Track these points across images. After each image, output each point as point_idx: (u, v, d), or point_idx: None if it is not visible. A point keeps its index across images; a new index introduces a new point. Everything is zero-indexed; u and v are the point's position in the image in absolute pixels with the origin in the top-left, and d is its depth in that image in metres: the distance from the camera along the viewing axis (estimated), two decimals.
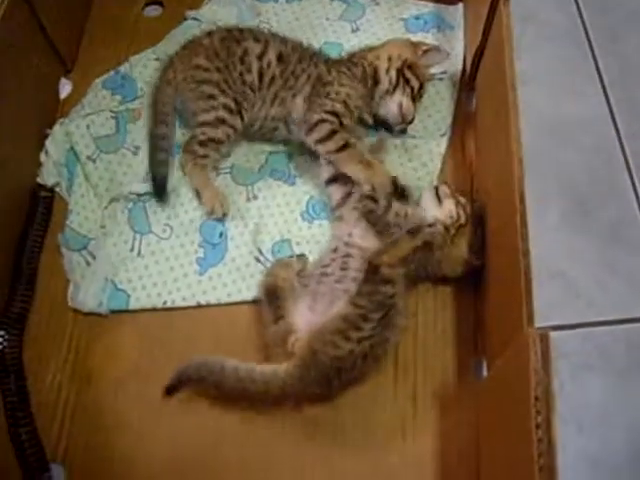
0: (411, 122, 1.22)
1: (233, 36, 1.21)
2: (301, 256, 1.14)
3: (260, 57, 1.18)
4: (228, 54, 1.18)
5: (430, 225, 1.06)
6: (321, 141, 1.13)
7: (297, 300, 1.03)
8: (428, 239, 1.03)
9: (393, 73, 1.18)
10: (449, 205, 1.08)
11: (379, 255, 0.98)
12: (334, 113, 1.14)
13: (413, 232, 1.00)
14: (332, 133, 1.12)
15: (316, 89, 1.17)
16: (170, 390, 1.02)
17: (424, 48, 1.21)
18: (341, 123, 1.14)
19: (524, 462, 0.71)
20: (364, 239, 1.07)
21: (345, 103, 1.15)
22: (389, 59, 1.19)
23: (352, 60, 1.21)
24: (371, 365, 1.00)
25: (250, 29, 1.24)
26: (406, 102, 1.19)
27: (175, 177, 1.21)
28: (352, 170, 1.11)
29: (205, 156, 1.17)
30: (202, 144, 1.16)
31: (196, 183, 1.18)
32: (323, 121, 1.13)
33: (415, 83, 1.19)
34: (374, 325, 0.96)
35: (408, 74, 1.19)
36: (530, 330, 0.77)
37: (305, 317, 1.01)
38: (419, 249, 1.02)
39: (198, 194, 1.18)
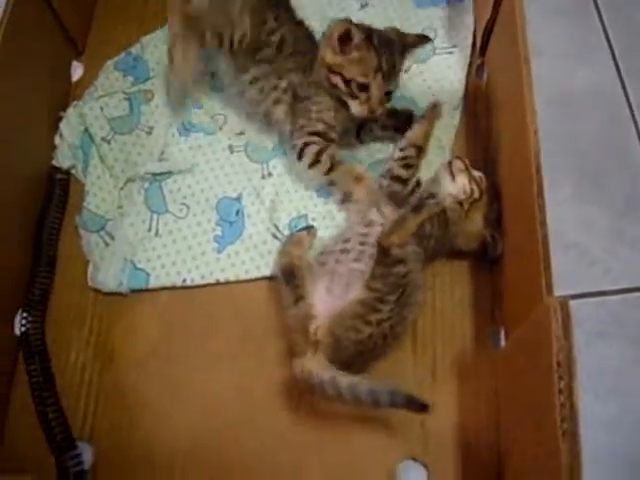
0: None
1: None
2: (310, 228, 1.15)
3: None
4: None
5: (432, 196, 1.06)
6: (311, 165, 1.13)
7: (315, 280, 1.03)
8: (434, 211, 1.03)
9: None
10: (462, 180, 1.07)
11: (388, 236, 0.98)
12: (317, 133, 1.14)
13: (417, 208, 1.01)
14: (319, 154, 1.13)
15: (295, 104, 1.17)
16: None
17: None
18: (329, 139, 1.14)
19: (547, 427, 0.73)
20: (384, 215, 1.08)
21: (323, 121, 1.15)
22: None
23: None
24: (391, 343, 1.01)
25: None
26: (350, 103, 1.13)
27: (189, 155, 1.23)
28: (346, 187, 1.14)
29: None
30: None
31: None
32: (307, 144, 1.14)
33: (339, 82, 1.11)
34: (392, 306, 0.97)
35: (332, 78, 1.12)
36: (550, 299, 0.78)
37: (323, 299, 1.01)
38: (434, 225, 1.04)
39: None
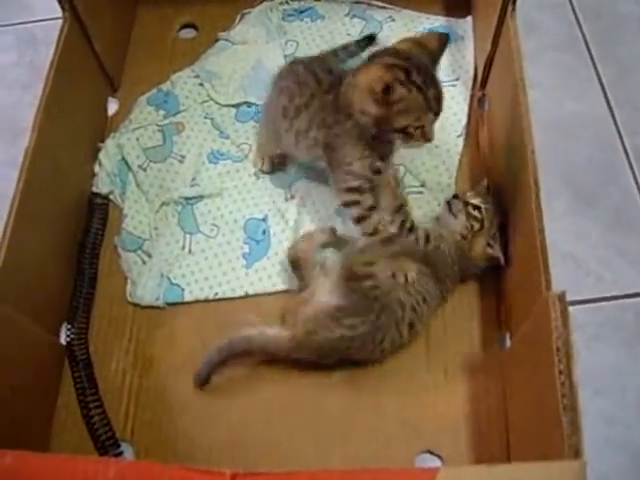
0: None
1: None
2: (331, 228, 1.24)
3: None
4: None
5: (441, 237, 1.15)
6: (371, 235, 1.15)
7: (323, 275, 1.16)
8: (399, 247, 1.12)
9: None
10: (462, 218, 1.16)
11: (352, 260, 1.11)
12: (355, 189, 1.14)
13: (387, 241, 1.12)
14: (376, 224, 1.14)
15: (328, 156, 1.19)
16: (202, 383, 1.14)
17: None
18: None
19: (550, 404, 0.81)
20: None
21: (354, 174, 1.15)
22: None
23: None
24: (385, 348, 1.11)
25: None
26: None
27: (218, 181, 1.33)
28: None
29: None
30: None
31: None
32: (348, 205, 1.15)
33: (390, 133, 1.07)
34: (365, 314, 1.07)
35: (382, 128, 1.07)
36: (549, 293, 0.87)
37: (322, 293, 1.12)
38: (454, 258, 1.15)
39: None
